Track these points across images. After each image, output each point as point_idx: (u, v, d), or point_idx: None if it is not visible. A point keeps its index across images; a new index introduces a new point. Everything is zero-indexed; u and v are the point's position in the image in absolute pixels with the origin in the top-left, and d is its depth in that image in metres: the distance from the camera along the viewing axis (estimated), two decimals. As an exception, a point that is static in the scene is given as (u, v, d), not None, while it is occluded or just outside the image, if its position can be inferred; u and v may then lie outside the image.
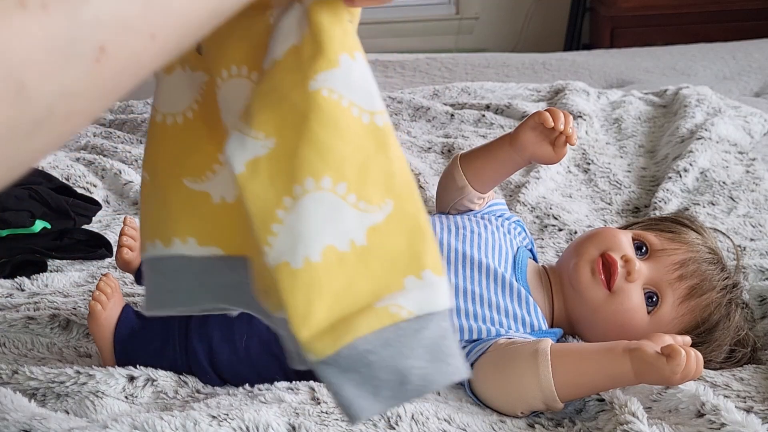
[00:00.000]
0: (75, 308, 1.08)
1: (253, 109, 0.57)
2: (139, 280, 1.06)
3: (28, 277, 1.21)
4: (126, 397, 0.89)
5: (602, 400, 0.88)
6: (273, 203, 0.56)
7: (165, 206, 0.67)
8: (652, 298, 1.00)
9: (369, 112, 0.58)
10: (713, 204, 1.41)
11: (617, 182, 1.56)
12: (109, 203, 1.49)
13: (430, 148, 1.71)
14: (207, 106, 0.65)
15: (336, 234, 0.57)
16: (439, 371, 0.57)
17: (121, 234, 1.03)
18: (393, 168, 0.59)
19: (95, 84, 0.39)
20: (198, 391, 0.92)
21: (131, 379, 0.90)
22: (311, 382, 0.90)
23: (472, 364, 0.92)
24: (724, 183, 1.47)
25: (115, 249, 1.09)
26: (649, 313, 1.00)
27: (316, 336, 0.55)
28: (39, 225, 1.28)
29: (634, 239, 1.04)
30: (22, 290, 1.18)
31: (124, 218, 1.04)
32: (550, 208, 1.42)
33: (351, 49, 0.57)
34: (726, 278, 1.04)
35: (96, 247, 1.30)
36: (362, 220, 0.58)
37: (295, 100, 0.56)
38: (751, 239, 1.30)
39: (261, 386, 0.90)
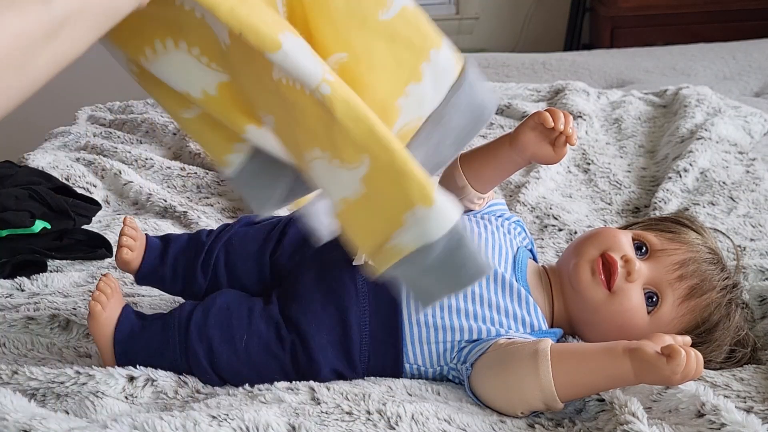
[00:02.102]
0: (75, 308, 1.08)
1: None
2: (139, 280, 1.06)
3: (28, 277, 1.21)
4: (126, 398, 0.89)
5: (602, 400, 0.88)
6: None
7: None
8: (652, 298, 1.00)
9: (314, 86, 0.68)
10: (713, 204, 1.41)
11: (617, 182, 1.55)
12: (109, 203, 1.49)
13: (430, 148, 1.71)
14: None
15: (341, 188, 0.73)
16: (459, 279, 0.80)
17: (121, 234, 1.03)
18: (349, 129, 0.69)
19: None
20: (198, 391, 0.92)
21: (131, 379, 0.90)
22: (311, 382, 0.90)
23: (472, 365, 0.92)
24: (724, 183, 1.47)
25: (115, 249, 1.09)
26: (649, 313, 1.00)
27: (369, 259, 0.77)
28: (39, 225, 1.28)
29: (634, 239, 1.04)
30: (22, 290, 1.18)
31: (124, 218, 1.04)
32: (550, 208, 1.42)
33: (281, 29, 0.68)
34: (726, 278, 1.04)
35: (96, 248, 1.30)
36: (352, 174, 0.71)
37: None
38: (751, 239, 1.30)
39: (261, 386, 0.90)
